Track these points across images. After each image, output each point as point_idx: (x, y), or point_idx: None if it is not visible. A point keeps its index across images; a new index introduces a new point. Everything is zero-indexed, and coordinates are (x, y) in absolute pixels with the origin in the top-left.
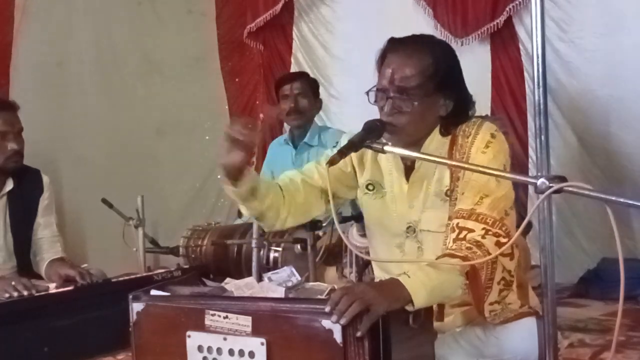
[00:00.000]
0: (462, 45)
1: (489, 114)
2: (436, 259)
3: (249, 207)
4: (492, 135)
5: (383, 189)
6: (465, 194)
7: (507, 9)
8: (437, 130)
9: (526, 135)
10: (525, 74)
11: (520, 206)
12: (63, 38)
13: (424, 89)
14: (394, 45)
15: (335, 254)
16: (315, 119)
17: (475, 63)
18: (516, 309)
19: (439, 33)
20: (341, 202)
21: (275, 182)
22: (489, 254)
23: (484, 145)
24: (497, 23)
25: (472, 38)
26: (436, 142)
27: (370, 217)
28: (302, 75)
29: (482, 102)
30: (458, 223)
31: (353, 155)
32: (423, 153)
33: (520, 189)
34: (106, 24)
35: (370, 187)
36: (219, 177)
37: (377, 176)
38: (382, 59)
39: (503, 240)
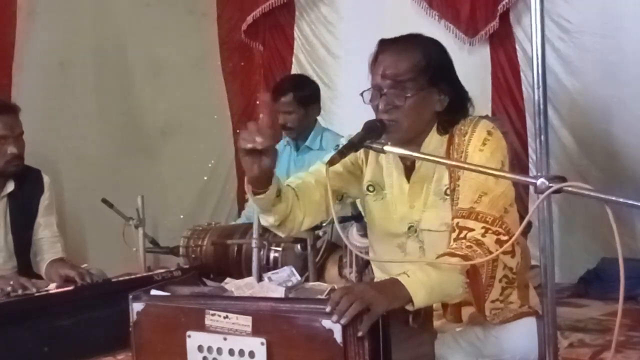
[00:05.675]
0: (471, 45)
1: (489, 114)
2: (436, 258)
3: (276, 211)
4: (489, 133)
5: (383, 190)
6: (464, 193)
7: (499, 7)
8: (434, 129)
9: (526, 135)
10: (522, 74)
11: (521, 206)
12: (65, 38)
13: (418, 83)
14: (385, 46)
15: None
16: (318, 118)
17: (475, 63)
18: (516, 308)
19: (442, 32)
20: (353, 199)
21: (287, 185)
22: (490, 252)
23: (480, 143)
24: (495, 24)
25: (476, 39)
26: (435, 141)
27: (372, 219)
28: (289, 89)
29: (483, 102)
30: (458, 222)
31: (362, 153)
32: (422, 153)
33: (521, 188)
34: (109, 24)
35: (371, 189)
36: (246, 186)
37: (377, 177)
38: (375, 61)
39: (503, 238)
